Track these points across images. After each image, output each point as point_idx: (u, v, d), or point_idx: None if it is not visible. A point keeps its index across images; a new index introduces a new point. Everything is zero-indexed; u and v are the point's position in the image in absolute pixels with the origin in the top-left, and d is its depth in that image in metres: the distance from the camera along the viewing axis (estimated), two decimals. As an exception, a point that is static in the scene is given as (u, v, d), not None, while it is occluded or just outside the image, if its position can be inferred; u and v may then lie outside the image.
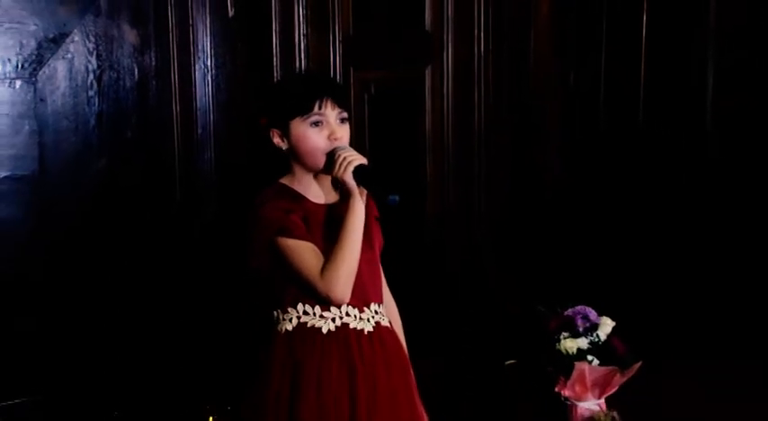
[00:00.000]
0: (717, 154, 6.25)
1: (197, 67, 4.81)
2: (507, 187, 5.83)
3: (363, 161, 2.60)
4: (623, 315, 4.90)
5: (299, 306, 2.65)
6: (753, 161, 6.31)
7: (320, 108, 2.62)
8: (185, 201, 4.86)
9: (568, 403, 4.73)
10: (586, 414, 4.71)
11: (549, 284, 5.74)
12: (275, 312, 2.71)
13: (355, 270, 2.60)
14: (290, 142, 2.66)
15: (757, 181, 6.34)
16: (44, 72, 4.46)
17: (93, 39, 4.57)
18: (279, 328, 2.69)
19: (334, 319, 2.65)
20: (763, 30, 6.26)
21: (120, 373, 4.72)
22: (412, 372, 2.86)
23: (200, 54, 4.81)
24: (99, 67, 4.60)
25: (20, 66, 4.40)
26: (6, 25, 4.34)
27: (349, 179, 2.57)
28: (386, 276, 2.90)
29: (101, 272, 4.68)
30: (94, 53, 4.58)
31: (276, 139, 2.68)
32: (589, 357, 4.68)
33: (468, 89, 5.57)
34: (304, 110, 2.62)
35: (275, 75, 4.97)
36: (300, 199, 2.67)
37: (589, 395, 4.70)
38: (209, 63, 4.83)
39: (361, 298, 2.69)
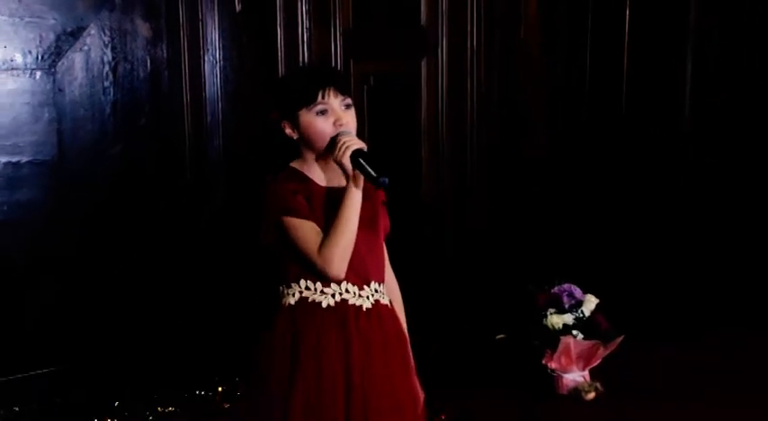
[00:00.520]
0: (694, 141, 6.26)
1: (206, 59, 4.81)
2: (497, 172, 5.82)
3: (361, 146, 2.60)
4: (606, 292, 4.95)
5: (302, 281, 2.64)
6: (728, 147, 6.32)
7: (324, 97, 2.62)
8: (195, 184, 4.85)
9: (555, 374, 4.79)
10: (571, 384, 4.76)
11: (537, 263, 5.74)
12: (280, 287, 2.70)
13: (351, 248, 2.60)
14: (299, 131, 2.65)
15: (734, 166, 6.36)
16: (62, 63, 4.46)
17: (108, 32, 4.56)
18: (283, 302, 2.68)
19: (333, 295, 2.64)
20: (738, 27, 6.29)
21: (135, 346, 4.74)
22: (409, 350, 2.85)
23: (209, 47, 4.80)
24: (114, 58, 4.59)
25: (40, 57, 4.40)
26: (27, 19, 4.33)
27: (346, 162, 2.57)
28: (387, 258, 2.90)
29: (117, 250, 4.68)
30: (110, 46, 4.57)
31: (288, 130, 2.67)
32: (574, 332, 4.74)
33: (461, 81, 5.56)
34: (309, 100, 2.62)
35: (279, 66, 4.96)
36: (307, 181, 2.67)
37: (574, 367, 4.76)
38: (217, 55, 4.82)
39: (362, 276, 2.67)
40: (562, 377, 4.79)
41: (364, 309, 2.68)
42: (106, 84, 4.59)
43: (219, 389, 4.75)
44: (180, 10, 4.72)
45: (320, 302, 2.64)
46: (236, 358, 4.42)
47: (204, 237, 4.87)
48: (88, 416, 4.46)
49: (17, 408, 4.42)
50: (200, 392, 4.73)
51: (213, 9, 4.78)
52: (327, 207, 2.62)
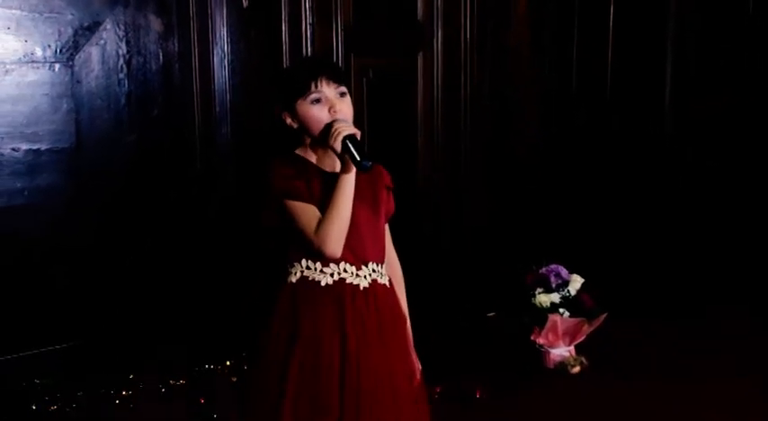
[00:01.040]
0: (672, 129, 6.32)
1: (215, 52, 4.79)
2: (488, 159, 5.83)
3: (353, 132, 2.59)
4: (592, 272, 4.99)
5: (303, 261, 2.64)
6: (703, 134, 6.36)
7: (317, 86, 2.62)
8: (205, 170, 4.84)
9: (542, 350, 4.84)
10: (558, 359, 4.81)
11: (527, 245, 5.76)
12: (284, 266, 2.69)
13: (346, 228, 2.60)
14: (298, 121, 2.65)
15: (710, 150, 6.40)
16: (80, 57, 4.44)
17: (123, 27, 4.55)
18: (286, 280, 2.68)
19: (332, 274, 2.64)
20: (715, 27, 6.31)
21: (148, 324, 4.74)
22: (407, 326, 2.85)
23: (218, 41, 4.78)
24: (128, 52, 4.58)
25: (58, 51, 4.39)
26: (46, 15, 4.32)
27: (338, 147, 2.57)
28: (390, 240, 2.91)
29: (132, 233, 4.69)
30: (124, 40, 4.56)
31: (288, 121, 2.67)
32: (561, 310, 4.80)
33: (455, 74, 5.57)
34: (303, 90, 2.62)
35: (284, 60, 4.94)
36: (308, 166, 2.66)
37: (560, 343, 4.81)
38: (225, 49, 4.80)
39: (360, 257, 2.67)
40: (549, 352, 4.84)
41: (361, 288, 2.67)
42: (121, 76, 4.58)
43: (227, 363, 4.76)
44: (190, 6, 4.70)
45: (319, 281, 2.64)
46: (242, 334, 4.47)
47: (214, 219, 4.86)
48: (105, 388, 4.46)
49: (37, 381, 4.41)
50: (208, 366, 4.74)
51: (222, 5, 4.76)
52: (326, 191, 2.61)
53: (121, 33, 4.56)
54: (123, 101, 4.61)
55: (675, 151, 6.34)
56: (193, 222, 4.83)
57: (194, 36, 4.74)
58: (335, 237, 2.57)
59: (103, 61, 4.53)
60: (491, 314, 5.59)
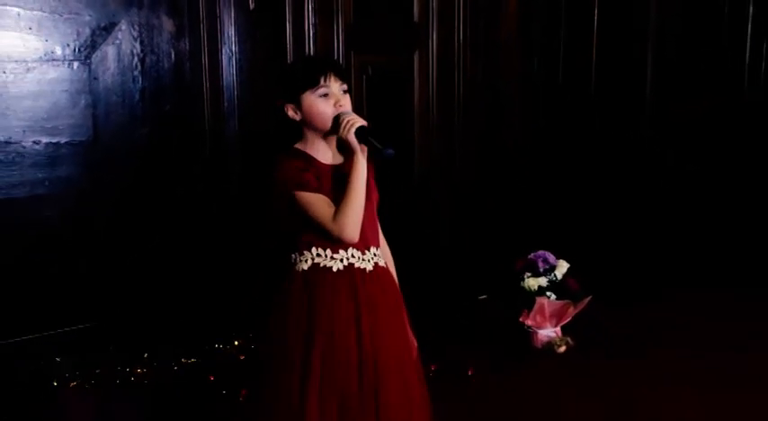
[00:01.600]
0: (651, 125, 6.33)
1: (223, 51, 4.78)
2: (481, 150, 5.83)
3: (364, 123, 2.60)
4: (577, 258, 5.03)
5: (313, 249, 2.64)
6: (682, 135, 6.39)
7: (325, 81, 2.62)
8: (214, 161, 4.84)
9: (530, 330, 4.85)
10: (545, 339, 4.83)
11: (516, 232, 5.77)
12: (293, 255, 2.70)
13: (362, 213, 2.60)
14: (302, 113, 2.64)
15: (688, 148, 6.43)
16: (97, 55, 4.44)
17: (137, 27, 4.54)
18: (296, 268, 2.68)
19: (342, 260, 2.64)
20: (693, 26, 6.33)
21: (161, 306, 4.75)
22: (403, 304, 2.86)
23: (226, 40, 4.77)
24: (142, 51, 4.58)
25: (77, 50, 4.39)
26: (66, 16, 4.32)
27: (352, 138, 2.57)
28: (382, 221, 2.90)
29: (147, 218, 4.68)
30: (138, 39, 4.55)
31: (291, 113, 2.66)
32: (548, 293, 4.83)
33: (450, 71, 5.55)
34: (312, 84, 2.62)
35: (288, 58, 4.91)
36: (311, 160, 2.66)
37: (548, 324, 4.83)
38: (233, 48, 4.79)
39: (363, 242, 2.67)
40: (537, 333, 4.85)
41: (367, 272, 2.69)
42: (135, 73, 4.57)
43: (236, 342, 4.75)
44: (200, 8, 4.68)
45: (331, 267, 2.64)
46: (249, 316, 4.51)
47: (222, 206, 4.86)
48: (121, 366, 4.47)
49: (58, 359, 4.41)
50: (218, 345, 4.73)
51: (230, 7, 4.74)
52: (332, 182, 2.62)
53: (136, 33, 4.54)
54: (137, 97, 4.60)
55: (654, 147, 6.34)
56: (204, 210, 4.82)
57: (204, 36, 4.72)
58: (354, 222, 2.58)
59: (119, 59, 4.52)
60: (483, 297, 5.59)
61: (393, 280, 2.85)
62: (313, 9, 4.96)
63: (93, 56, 4.45)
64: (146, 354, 4.59)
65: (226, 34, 4.78)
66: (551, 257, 4.93)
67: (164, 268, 4.77)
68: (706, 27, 6.37)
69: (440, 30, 5.46)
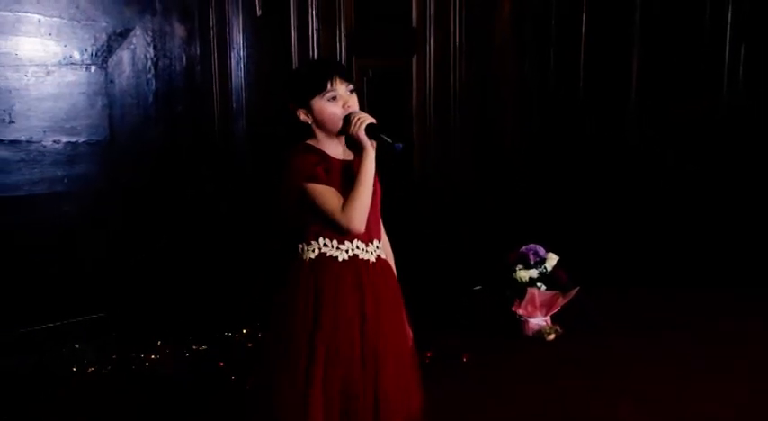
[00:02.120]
0: (635, 124, 6.29)
1: (232, 55, 4.81)
2: (475, 148, 5.82)
3: (373, 120, 2.60)
4: (566, 251, 5.03)
5: (320, 239, 2.63)
6: (663, 126, 6.39)
7: (332, 85, 2.60)
8: (223, 157, 4.87)
9: (522, 319, 4.84)
10: (536, 327, 4.82)
11: (509, 227, 5.76)
12: (300, 245, 2.67)
13: (369, 205, 2.59)
14: (313, 116, 2.63)
15: (674, 141, 6.43)
16: (113, 59, 4.48)
17: (150, 33, 4.58)
18: (303, 258, 2.65)
19: (347, 251, 2.63)
20: (676, 31, 6.34)
21: (174, 296, 4.78)
22: (401, 296, 2.82)
23: (235, 45, 4.81)
24: (155, 55, 4.61)
25: (94, 54, 4.42)
26: (84, 22, 4.35)
27: (362, 135, 2.56)
28: (383, 216, 2.87)
29: (159, 214, 4.71)
30: (152, 44, 4.59)
31: (302, 117, 2.65)
32: (538, 284, 4.83)
33: (446, 74, 5.52)
34: (320, 89, 2.60)
35: (293, 61, 4.94)
36: (322, 155, 2.64)
37: (538, 313, 4.83)
38: (241, 52, 4.82)
39: (367, 235, 2.66)
40: (528, 322, 4.83)
41: (370, 263, 2.68)
42: (149, 76, 4.61)
43: (243, 331, 4.77)
44: (210, 14, 4.74)
45: (336, 257, 2.63)
46: (257, 307, 4.39)
47: (232, 204, 4.89)
48: (136, 352, 4.49)
49: (77, 345, 4.46)
50: (227, 333, 4.76)
51: (238, 14, 4.78)
52: (341, 177, 2.62)
53: (149, 39, 4.59)
54: (151, 98, 4.64)
55: (640, 145, 6.31)
56: (213, 206, 4.86)
57: (214, 41, 4.77)
58: (361, 214, 2.57)
59: (134, 63, 4.56)
60: (477, 288, 5.56)
61: (393, 272, 2.84)
62: (316, 16, 5.00)
63: (110, 60, 4.49)
64: (159, 342, 4.61)
65: (234, 39, 4.81)
66: (542, 250, 4.93)
67: (176, 261, 4.79)
68: (688, 32, 6.38)
69: (436, 35, 5.45)
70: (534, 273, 4.86)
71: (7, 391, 4.05)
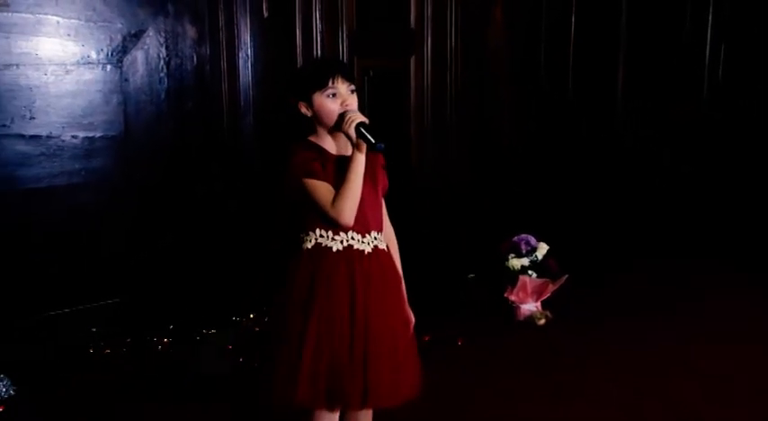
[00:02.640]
0: (621, 121, 6.40)
1: (240, 55, 4.79)
2: (471, 144, 5.86)
3: (364, 119, 2.61)
4: (556, 240, 5.08)
5: (317, 230, 2.64)
6: (647, 123, 6.46)
7: (333, 83, 2.62)
8: (232, 152, 4.86)
9: (514, 305, 4.89)
10: (527, 313, 4.87)
11: (502, 218, 5.78)
12: (300, 235, 2.70)
13: (358, 200, 2.59)
14: (313, 110, 2.65)
15: (656, 135, 6.49)
16: (128, 59, 4.48)
17: (163, 34, 4.57)
18: (302, 247, 2.68)
19: (342, 241, 2.64)
20: (660, 35, 6.38)
21: (185, 283, 4.79)
22: (402, 284, 2.84)
23: (243, 45, 4.79)
24: (168, 55, 4.60)
25: (110, 54, 4.42)
26: (100, 23, 4.35)
27: (352, 133, 2.57)
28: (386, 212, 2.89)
29: (172, 205, 4.71)
30: (164, 45, 4.58)
31: (303, 110, 2.66)
32: (529, 272, 4.88)
33: (442, 73, 5.55)
34: (322, 85, 2.62)
35: (298, 61, 4.93)
36: (321, 151, 2.65)
37: (529, 299, 4.87)
38: (249, 52, 4.81)
39: (364, 226, 2.66)
40: (520, 307, 4.88)
41: (366, 253, 2.68)
42: (162, 75, 4.60)
43: (251, 316, 4.77)
44: (219, 16, 4.71)
45: (331, 247, 2.65)
46: (262, 293, 4.47)
47: (240, 196, 4.88)
48: (149, 335, 4.52)
49: (94, 329, 4.46)
50: (235, 318, 4.76)
51: (246, 15, 4.75)
52: (337, 171, 2.62)
53: (162, 39, 4.58)
54: (163, 96, 4.63)
55: (622, 139, 6.42)
56: (223, 199, 4.84)
57: (223, 41, 4.75)
58: (349, 208, 2.58)
59: (147, 63, 4.55)
60: (471, 275, 5.57)
61: (392, 261, 2.83)
62: (320, 18, 4.99)
63: (125, 59, 4.49)
64: (171, 326, 4.65)
65: (242, 40, 4.80)
66: (533, 240, 4.96)
67: (188, 251, 4.80)
68: (671, 35, 6.41)
69: (434, 36, 5.47)
70: (526, 261, 4.89)
71: (30, 372, 4.07)
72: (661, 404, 3.80)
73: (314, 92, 2.65)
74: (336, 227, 2.64)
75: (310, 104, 2.66)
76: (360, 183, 2.60)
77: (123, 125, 4.53)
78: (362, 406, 2.75)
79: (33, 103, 4.25)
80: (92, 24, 4.37)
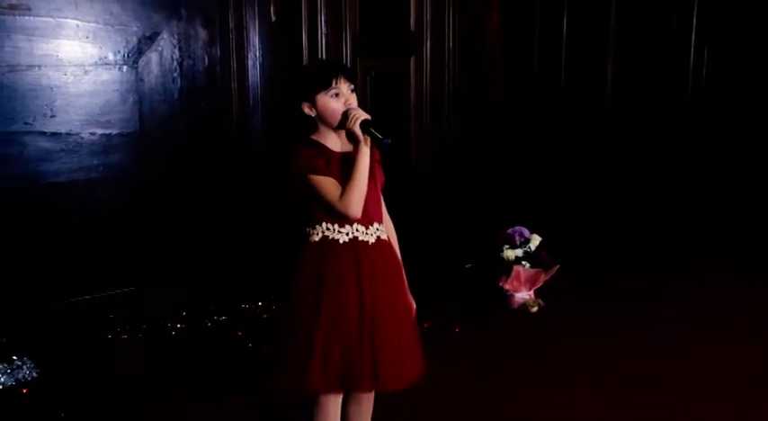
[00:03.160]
0: (613, 115, 6.42)
1: (249, 56, 4.81)
2: (468, 142, 5.87)
3: (367, 117, 2.60)
4: (548, 232, 5.08)
5: (323, 224, 2.65)
6: (637, 117, 6.49)
7: (336, 83, 2.62)
8: (241, 149, 4.87)
9: (508, 294, 4.91)
10: (520, 301, 4.89)
11: (498, 211, 5.79)
12: (307, 229, 2.70)
13: (365, 193, 2.61)
14: (317, 110, 2.64)
15: (644, 133, 6.51)
16: (143, 60, 4.50)
17: (176, 37, 4.59)
18: (309, 240, 2.68)
19: (348, 234, 2.65)
20: (647, 39, 6.40)
21: (196, 273, 4.80)
22: (403, 273, 2.85)
23: (251, 47, 4.81)
24: (180, 56, 4.62)
25: (126, 56, 4.44)
26: (117, 27, 4.38)
27: (357, 130, 2.58)
28: (386, 202, 2.87)
29: (186, 196, 4.74)
30: (177, 47, 4.60)
31: (307, 110, 2.66)
32: (523, 262, 4.88)
33: (441, 73, 5.56)
34: (325, 85, 2.62)
35: (304, 62, 4.93)
36: (324, 148, 2.66)
37: (523, 288, 4.90)
38: (257, 54, 4.83)
39: (367, 218, 2.67)
40: (514, 296, 4.90)
41: (370, 244, 2.68)
42: (175, 75, 4.61)
43: (259, 304, 4.83)
44: (230, 20, 4.72)
45: (338, 239, 2.65)
46: (271, 282, 4.50)
47: (249, 190, 4.90)
48: (163, 322, 4.57)
49: (111, 315, 4.50)
50: (244, 306, 4.81)
51: (254, 19, 4.77)
52: (340, 167, 2.63)
53: (175, 42, 4.59)
54: (176, 95, 4.65)
55: (612, 137, 6.44)
56: (232, 193, 4.87)
57: (233, 43, 4.77)
58: (357, 201, 2.60)
59: (161, 64, 4.57)
60: (468, 265, 5.60)
61: (393, 251, 2.84)
62: (325, 21, 5.01)
63: (140, 61, 4.51)
64: (184, 313, 4.69)
65: (251, 42, 4.82)
66: (526, 232, 4.97)
67: (200, 243, 4.81)
68: (658, 38, 6.42)
69: (432, 38, 5.48)
70: (519, 252, 4.89)
71: (52, 355, 4.11)
72: (651, 391, 3.80)
73: (318, 92, 2.65)
74: (343, 219, 2.65)
75: (314, 104, 2.66)
76: (366, 177, 2.61)
77: (138, 123, 4.55)
78: (370, 389, 2.77)
79: (54, 101, 4.28)
80: (109, 27, 4.39)
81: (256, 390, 3.56)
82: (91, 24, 4.33)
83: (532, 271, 4.87)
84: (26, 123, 4.22)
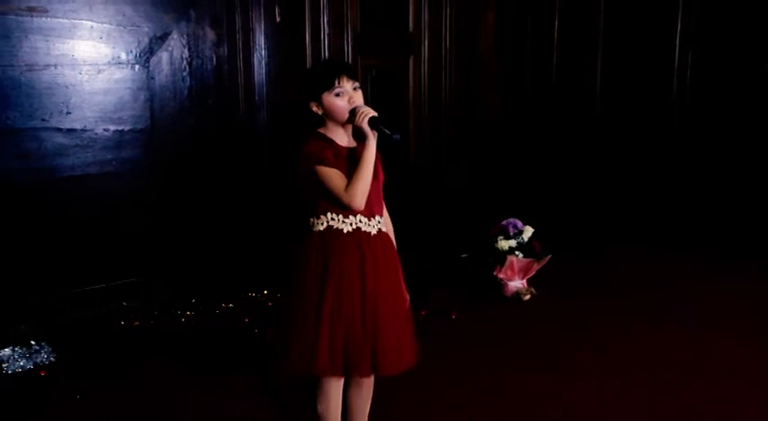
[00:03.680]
0: (603, 112, 6.43)
1: (255, 56, 4.83)
2: (464, 137, 5.87)
3: (375, 114, 2.61)
4: (541, 223, 5.07)
5: (328, 214, 2.65)
6: (628, 112, 6.49)
7: (339, 83, 2.63)
8: (247, 145, 4.88)
9: (502, 282, 4.90)
10: (514, 289, 4.88)
11: (492, 203, 5.81)
12: (312, 219, 2.71)
13: (368, 187, 2.60)
14: (323, 108, 2.65)
15: (633, 133, 6.51)
16: (154, 59, 4.52)
17: (185, 37, 4.60)
18: (314, 229, 2.68)
19: (351, 224, 2.66)
20: (634, 33, 6.40)
21: (205, 262, 4.82)
22: (399, 264, 2.84)
23: (257, 47, 4.83)
24: (190, 56, 4.63)
25: (138, 55, 4.46)
26: (129, 28, 4.40)
27: (365, 126, 2.58)
28: (386, 196, 2.87)
29: (193, 192, 4.74)
30: (187, 47, 4.61)
31: (314, 109, 2.67)
32: (516, 252, 4.87)
33: (438, 73, 5.60)
34: (329, 85, 2.63)
35: (307, 61, 4.97)
36: (331, 142, 2.67)
37: (516, 277, 4.88)
38: (263, 53, 4.84)
39: (369, 211, 2.68)
40: (507, 284, 4.89)
41: (372, 235, 2.70)
42: (184, 74, 4.63)
43: (265, 292, 4.82)
44: (237, 21, 4.74)
45: (342, 229, 2.66)
46: (276, 271, 4.38)
47: (256, 182, 4.90)
48: (174, 309, 4.58)
49: (124, 303, 4.52)
50: (251, 293, 4.81)
51: (260, 20, 4.79)
52: (347, 161, 2.64)
53: (185, 42, 4.61)
54: (186, 93, 4.66)
55: (601, 135, 6.46)
56: (240, 185, 4.85)
57: (240, 43, 4.78)
58: (362, 193, 2.60)
59: (171, 63, 4.58)
60: (464, 255, 5.60)
61: (392, 244, 2.85)
62: (327, 22, 5.04)
63: (151, 60, 4.53)
64: (194, 300, 4.70)
65: (257, 42, 4.83)
66: (520, 224, 4.96)
67: (208, 234, 4.82)
68: (644, 40, 6.44)
69: (430, 39, 5.51)
70: (513, 242, 4.88)
71: (68, 340, 4.13)
72: (641, 375, 3.78)
73: (323, 92, 2.66)
74: (347, 210, 2.65)
75: (321, 104, 2.68)
76: (371, 170, 2.62)
77: (150, 119, 4.57)
78: (369, 374, 2.80)
79: (69, 99, 4.30)
80: (122, 28, 4.41)
81: (264, 371, 3.57)
82: (104, 25, 4.35)
83: (525, 260, 4.86)
84: (43, 120, 4.24)
